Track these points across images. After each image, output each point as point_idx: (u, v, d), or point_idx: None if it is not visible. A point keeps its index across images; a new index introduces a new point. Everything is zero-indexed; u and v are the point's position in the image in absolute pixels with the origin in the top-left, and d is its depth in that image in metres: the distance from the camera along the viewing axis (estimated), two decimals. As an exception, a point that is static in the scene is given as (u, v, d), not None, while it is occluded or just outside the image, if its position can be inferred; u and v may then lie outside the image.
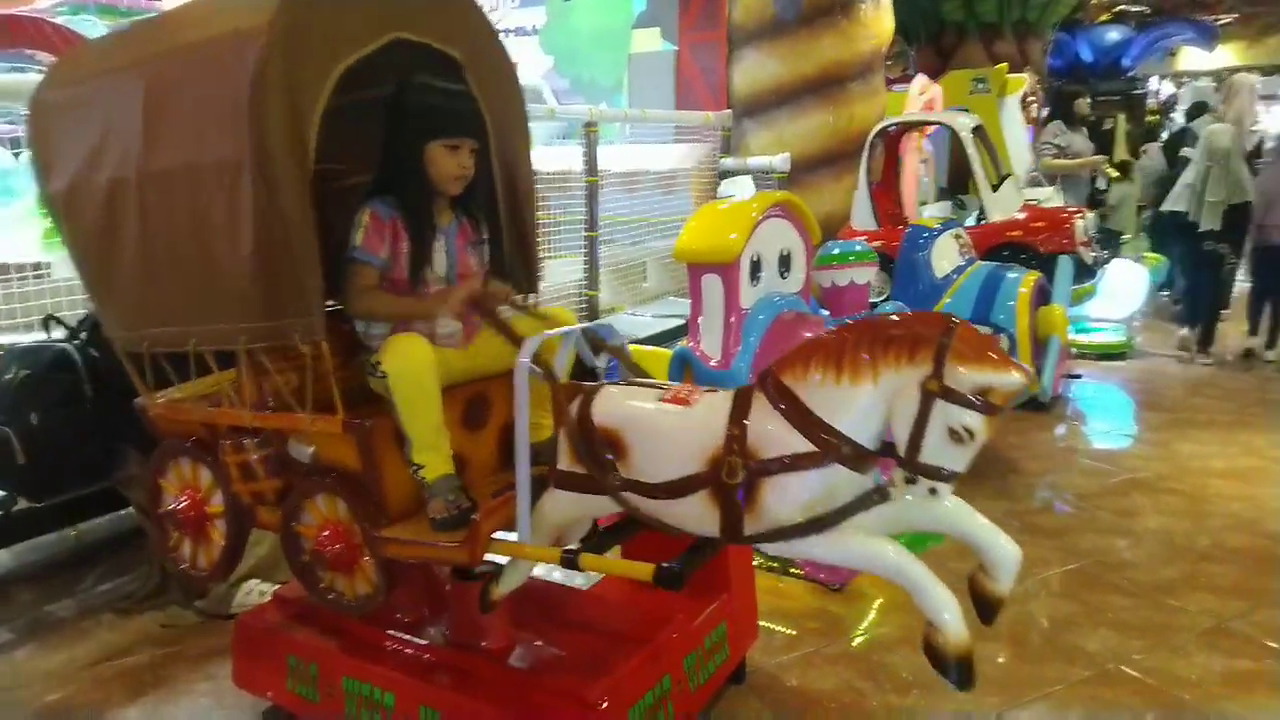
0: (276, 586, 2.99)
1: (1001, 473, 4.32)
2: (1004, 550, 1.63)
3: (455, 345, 2.24)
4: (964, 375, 1.49)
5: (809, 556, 1.74)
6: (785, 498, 1.66)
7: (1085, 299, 6.13)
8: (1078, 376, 5.87)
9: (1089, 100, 8.25)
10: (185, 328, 2.20)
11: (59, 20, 7.54)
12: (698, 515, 1.77)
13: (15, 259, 4.11)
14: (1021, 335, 3.92)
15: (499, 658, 2.27)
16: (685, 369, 3.16)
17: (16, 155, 5.42)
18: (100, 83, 2.31)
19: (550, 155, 7.31)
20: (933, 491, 1.56)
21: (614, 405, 1.91)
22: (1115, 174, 8.42)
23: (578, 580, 2.83)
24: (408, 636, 2.40)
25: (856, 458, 1.62)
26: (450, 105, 2.17)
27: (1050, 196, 6.74)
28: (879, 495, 1.68)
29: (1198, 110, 8.34)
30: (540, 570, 2.95)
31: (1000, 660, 2.80)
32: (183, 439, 2.40)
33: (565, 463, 1.95)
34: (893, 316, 1.67)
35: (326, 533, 2.16)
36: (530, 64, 11.72)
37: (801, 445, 1.64)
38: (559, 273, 6.48)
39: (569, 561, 1.93)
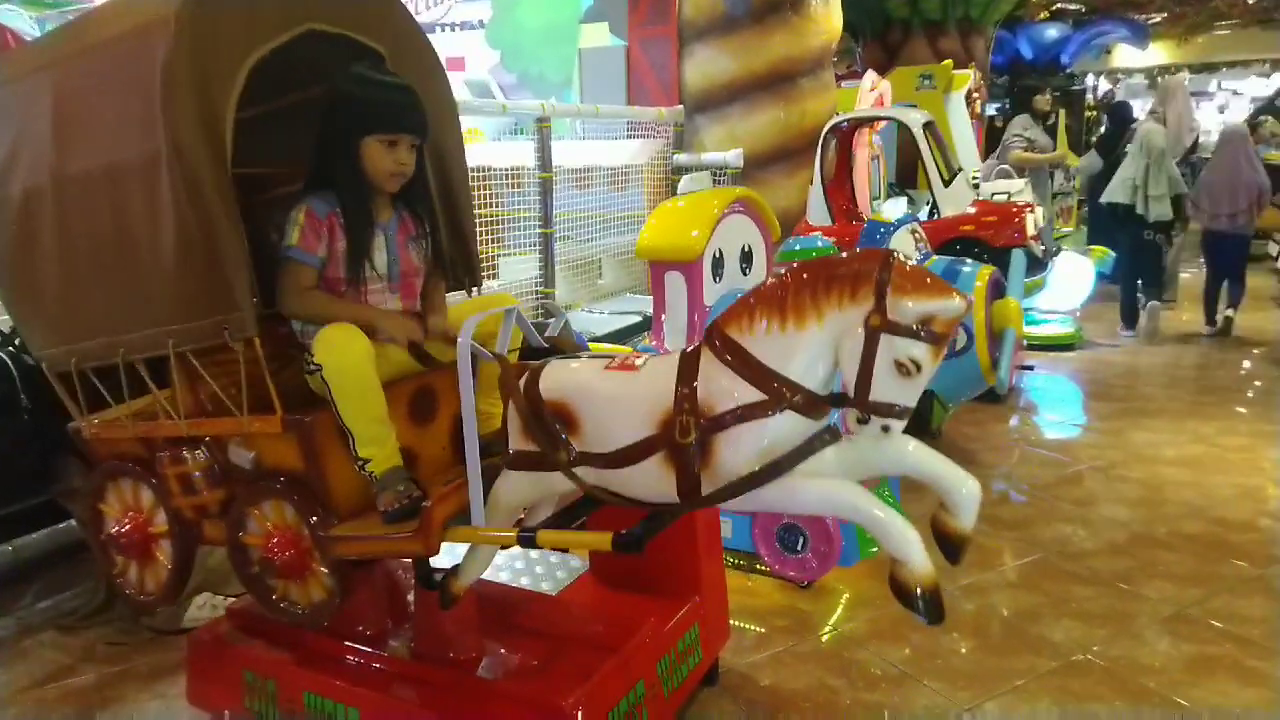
0: (230, 599, 2.89)
1: (959, 464, 4.34)
2: (965, 486, 1.61)
3: (396, 343, 2.17)
4: (906, 306, 1.49)
5: (770, 508, 1.71)
6: (740, 450, 1.64)
7: (1035, 292, 6.24)
8: (1030, 368, 5.97)
9: (1048, 96, 8.29)
10: (113, 337, 2.13)
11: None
12: (655, 480, 1.73)
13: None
14: (978, 328, 3.94)
15: (467, 668, 2.20)
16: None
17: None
18: (8, 91, 2.23)
19: (502, 151, 7.21)
20: (885, 429, 1.56)
21: (561, 377, 1.87)
22: (1074, 161, 8.60)
23: (545, 586, 2.76)
24: (370, 649, 2.32)
25: (808, 404, 1.61)
26: (387, 98, 2.09)
27: (1021, 190, 6.81)
28: (830, 435, 1.66)
29: (1119, 113, 8.54)
30: (507, 576, 2.90)
31: (966, 652, 2.81)
32: (121, 459, 2.30)
33: (516, 442, 1.90)
34: (833, 258, 1.65)
35: (275, 540, 2.08)
36: (477, 58, 11.57)
37: (752, 395, 1.62)
38: (515, 270, 6.38)
39: (526, 540, 1.88)
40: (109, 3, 2.24)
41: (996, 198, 6.83)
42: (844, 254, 1.67)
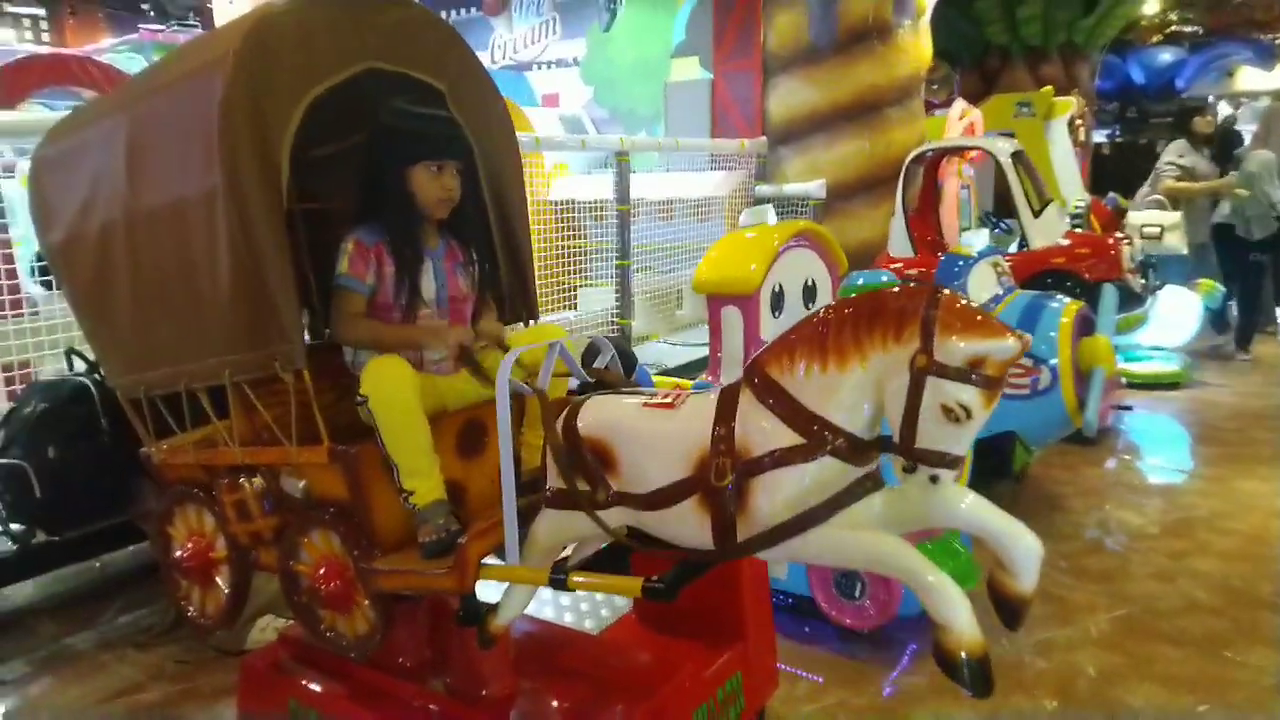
0: (290, 622, 2.95)
1: (1046, 510, 4.12)
2: (1025, 544, 1.47)
3: (444, 371, 2.18)
4: (955, 347, 1.38)
5: (809, 560, 1.62)
6: (777, 496, 1.55)
7: (1136, 327, 5.90)
8: (1128, 408, 5.64)
9: (1210, 117, 7.24)
10: (176, 367, 2.21)
11: (112, 59, 7.74)
12: (690, 525, 1.67)
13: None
14: (1064, 367, 3.74)
15: (499, 707, 2.18)
16: (705, 403, 3.06)
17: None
18: (90, 132, 2.36)
19: (587, 184, 7.32)
20: (933, 479, 1.44)
21: (599, 415, 1.82)
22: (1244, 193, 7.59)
23: (587, 624, 2.72)
24: (410, 684, 2.31)
25: (851, 449, 1.52)
26: (431, 127, 2.14)
27: (1174, 225, 6.41)
28: (870, 482, 1.56)
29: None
30: (552, 612, 2.87)
31: (1036, 711, 2.63)
32: (187, 485, 2.38)
33: (554, 480, 1.86)
34: (877, 293, 1.55)
35: (322, 570, 2.11)
36: (572, 95, 11.81)
37: (791, 439, 1.54)
38: (594, 300, 6.45)
39: (557, 582, 1.84)
40: (188, 42, 2.36)
41: (1147, 230, 6.49)
42: (883, 290, 1.58)
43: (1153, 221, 6.44)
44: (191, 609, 2.46)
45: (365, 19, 2.13)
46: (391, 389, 1.99)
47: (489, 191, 2.43)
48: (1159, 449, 5.30)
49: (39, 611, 3.56)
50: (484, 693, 2.21)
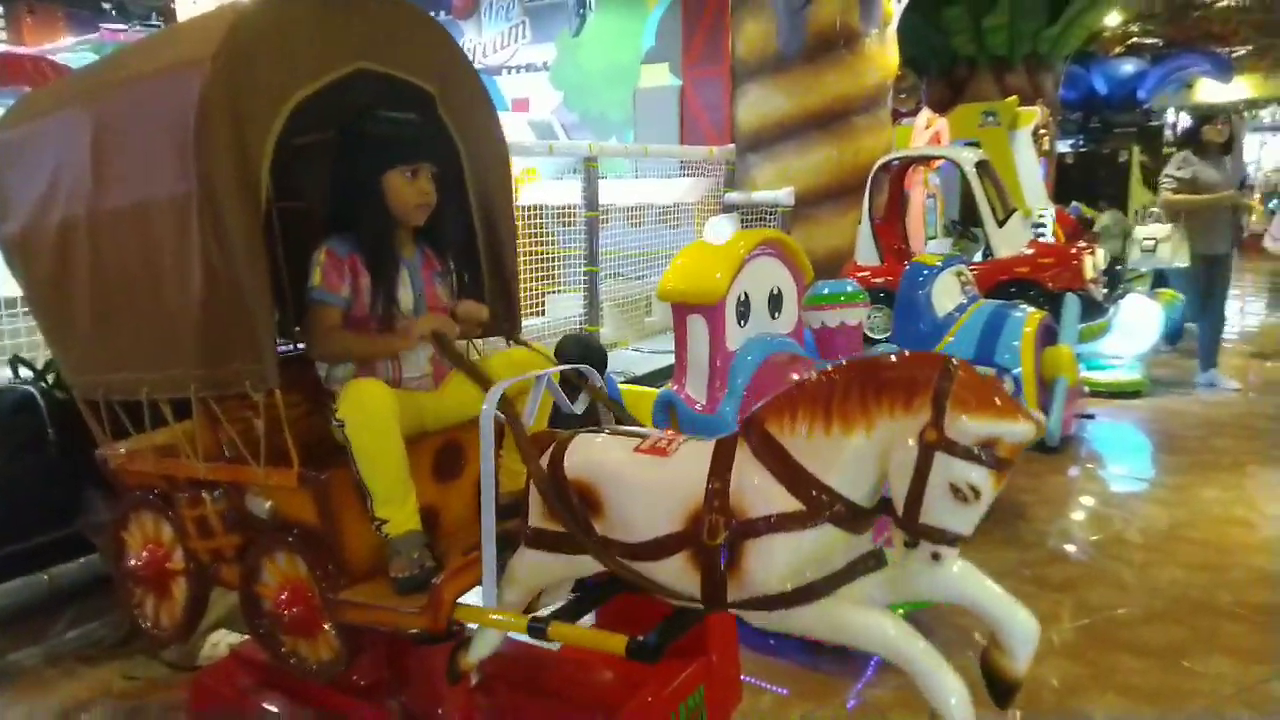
0: (245, 638, 2.87)
1: (1009, 519, 4.14)
2: (1021, 623, 1.44)
3: (425, 388, 2.13)
4: (967, 425, 1.32)
5: (799, 631, 1.57)
6: (772, 561, 1.51)
7: (1098, 335, 5.97)
8: (1090, 416, 5.68)
9: (1220, 125, 6.57)
10: (138, 374, 2.12)
11: (68, 59, 7.59)
12: (677, 580, 1.62)
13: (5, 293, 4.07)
14: (1027, 376, 3.77)
15: (456, 727, 2.13)
16: (670, 413, 3.04)
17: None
18: (51, 120, 2.25)
19: (555, 190, 7.27)
20: (935, 557, 1.40)
21: (586, 456, 1.77)
22: (1258, 208, 7.39)
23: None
24: (365, 702, 2.26)
25: (850, 517, 1.47)
26: (405, 128, 2.07)
27: (1166, 236, 6.33)
28: (874, 560, 1.52)
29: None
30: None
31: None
32: (145, 491, 2.30)
33: (536, 519, 1.81)
34: (888, 358, 1.50)
35: (285, 593, 2.04)
36: (541, 99, 11.77)
37: (788, 503, 1.49)
38: (562, 306, 6.40)
39: (536, 631, 1.79)
40: (153, 35, 2.28)
41: (1144, 244, 6.48)
42: (901, 353, 1.51)
43: (1149, 235, 6.44)
44: (145, 620, 2.38)
45: (352, 18, 2.03)
46: (370, 414, 1.91)
47: (475, 198, 2.35)
48: (1121, 458, 5.36)
49: (-16, 626, 3.45)
50: (440, 712, 2.16)
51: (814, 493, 1.47)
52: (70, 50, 12.33)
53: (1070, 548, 3.95)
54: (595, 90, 11.18)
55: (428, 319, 2.09)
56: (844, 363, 1.53)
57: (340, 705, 2.26)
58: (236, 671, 2.48)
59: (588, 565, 1.79)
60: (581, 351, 3.34)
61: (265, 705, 2.33)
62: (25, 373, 3.22)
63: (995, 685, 1.48)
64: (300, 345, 2.39)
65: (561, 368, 2.12)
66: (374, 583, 1.99)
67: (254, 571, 2.10)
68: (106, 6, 15.30)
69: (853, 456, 1.46)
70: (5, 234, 2.35)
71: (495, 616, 1.87)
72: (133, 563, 2.33)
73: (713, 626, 2.39)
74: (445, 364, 2.17)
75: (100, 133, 2.07)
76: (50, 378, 3.06)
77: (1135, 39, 15.84)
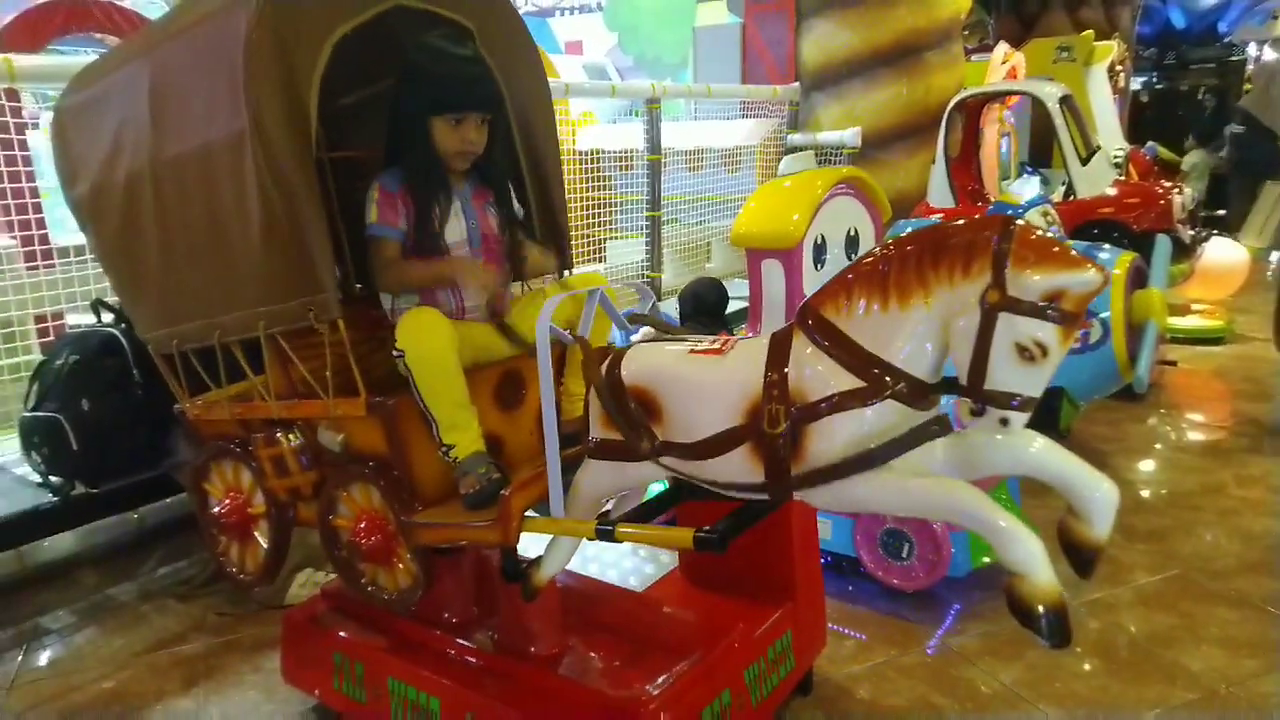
0: (331, 576, 2.93)
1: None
2: (1100, 489, 1.40)
3: (482, 319, 2.13)
4: (1030, 280, 1.28)
5: (871, 508, 1.54)
6: (834, 442, 1.48)
7: (1181, 280, 5.74)
8: (1173, 363, 5.50)
9: None
10: (209, 319, 2.16)
11: (134, 3, 7.62)
12: (740, 471, 1.61)
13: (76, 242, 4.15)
14: (1116, 321, 3.62)
15: (548, 665, 2.15)
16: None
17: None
18: (112, 80, 2.28)
19: (614, 134, 7.16)
20: (1004, 422, 1.36)
21: (643, 362, 1.76)
22: None
23: (632, 581, 2.68)
24: (456, 638, 2.29)
25: (914, 393, 1.43)
26: (455, 74, 2.04)
27: None
28: (938, 425, 1.47)
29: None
30: (596, 569, 2.83)
31: (1089, 676, 2.57)
32: (224, 440, 2.34)
33: (598, 430, 1.81)
34: (942, 225, 1.44)
35: (363, 524, 2.07)
36: (595, 42, 11.59)
37: (849, 382, 1.46)
38: (622, 253, 6.35)
39: (604, 533, 1.80)
40: None
41: None
42: (949, 223, 1.44)
43: None
44: (231, 565, 2.44)
45: None
46: (428, 344, 1.94)
47: (520, 138, 2.34)
48: (1204, 406, 5.18)
49: (80, 563, 3.58)
50: (531, 648, 2.18)
51: (874, 370, 1.44)
52: (129, -1, 12.39)
53: (1155, 497, 3.84)
54: (650, 31, 10.97)
55: (489, 273, 2.12)
56: (897, 238, 1.47)
57: (432, 641, 2.29)
58: (327, 608, 2.53)
59: (651, 472, 1.79)
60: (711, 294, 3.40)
61: (356, 639, 2.38)
62: (107, 317, 3.27)
63: (1075, 554, 1.44)
64: (360, 285, 2.42)
65: (612, 285, 2.13)
66: (446, 505, 2.03)
67: (331, 506, 2.14)
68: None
69: (912, 329, 1.42)
70: (76, 195, 2.39)
71: (563, 524, 1.87)
72: (216, 511, 2.37)
73: (799, 573, 2.37)
74: (504, 296, 2.22)
75: (157, 83, 2.10)
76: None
77: (1219, -33, 14.96)
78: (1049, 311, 1.28)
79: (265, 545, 2.33)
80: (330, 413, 2.06)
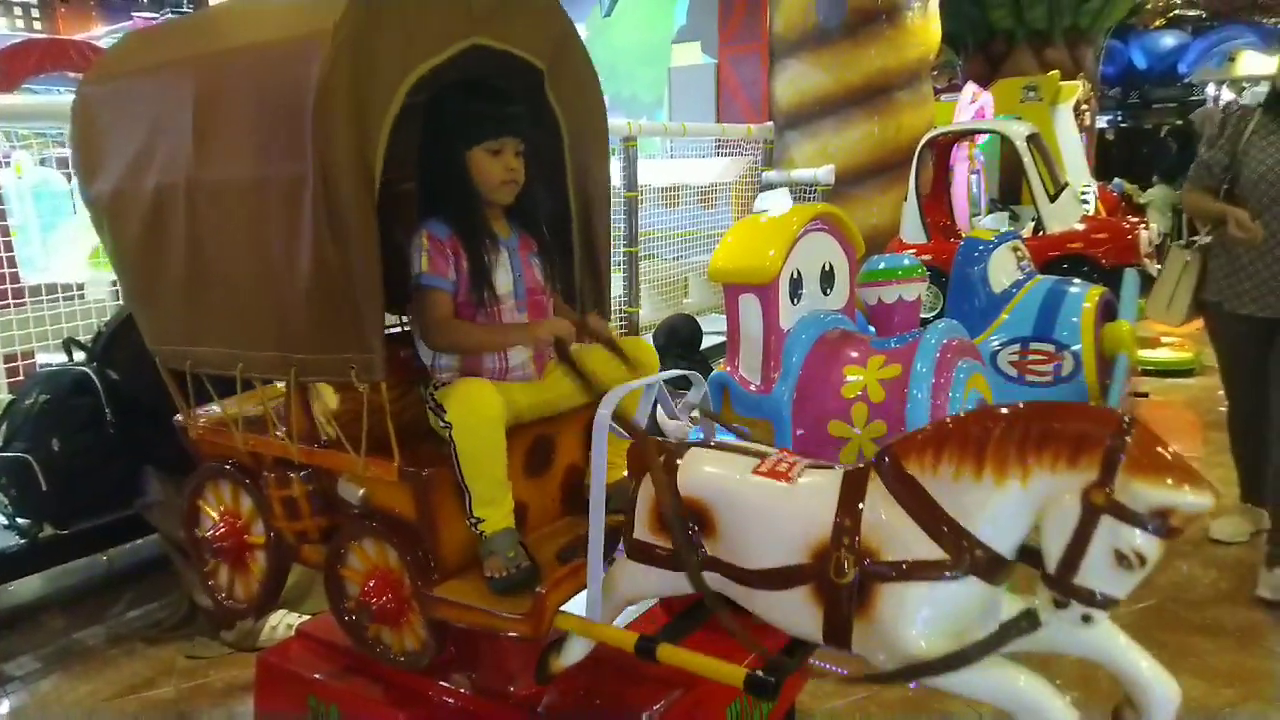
0: (304, 619, 2.88)
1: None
2: (1162, 689, 1.35)
3: (526, 378, 2.07)
4: (1141, 491, 1.21)
5: (927, 681, 1.45)
6: (905, 609, 1.40)
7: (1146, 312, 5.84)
8: (1145, 395, 5.58)
9: None
10: (233, 351, 2.06)
11: (109, 44, 7.62)
12: (796, 613, 1.54)
13: (61, 279, 4.11)
14: (1087, 353, 3.68)
15: (528, 706, 2.11)
16: (724, 394, 2.99)
17: (69, 178, 5.47)
18: (148, 78, 2.14)
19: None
20: (1086, 619, 1.30)
21: (704, 474, 1.69)
22: None
23: (614, 617, 2.65)
24: (434, 679, 2.25)
25: (993, 568, 1.37)
26: (485, 105, 1.99)
27: None
28: (1027, 622, 1.39)
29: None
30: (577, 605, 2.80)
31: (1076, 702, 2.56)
32: (223, 460, 2.28)
33: (644, 531, 1.73)
34: (1057, 406, 1.38)
35: (373, 581, 2.01)
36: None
37: (928, 549, 1.39)
38: (599, 289, 6.36)
39: (645, 651, 1.73)
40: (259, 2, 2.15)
41: None
42: (1064, 403, 1.40)
43: None
44: (218, 591, 2.34)
45: None
46: (480, 418, 1.86)
47: (573, 179, 2.26)
48: (1176, 436, 5.25)
49: (47, 606, 3.48)
50: (511, 689, 2.14)
51: (958, 540, 1.37)
52: (105, 38, 12.41)
53: (1130, 527, 3.86)
54: (626, 70, 11.09)
55: (553, 323, 2.02)
56: (1003, 407, 1.41)
57: (410, 682, 2.25)
58: (302, 650, 2.48)
59: (687, 583, 1.71)
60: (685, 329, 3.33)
61: (332, 681, 2.33)
62: (79, 356, 3.23)
63: None
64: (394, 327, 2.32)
65: (670, 373, 2.06)
66: (466, 579, 1.94)
67: (340, 555, 2.06)
68: (139, -5, 15.40)
69: (1003, 506, 1.35)
70: (95, 192, 2.26)
71: (601, 630, 1.82)
72: (209, 533, 2.27)
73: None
74: (547, 355, 2.11)
75: (205, 97, 1.97)
76: (101, 357, 3.07)
77: (1177, 11, 15.47)
78: (1151, 526, 1.21)
79: (260, 578, 2.25)
80: (359, 472, 1.96)
